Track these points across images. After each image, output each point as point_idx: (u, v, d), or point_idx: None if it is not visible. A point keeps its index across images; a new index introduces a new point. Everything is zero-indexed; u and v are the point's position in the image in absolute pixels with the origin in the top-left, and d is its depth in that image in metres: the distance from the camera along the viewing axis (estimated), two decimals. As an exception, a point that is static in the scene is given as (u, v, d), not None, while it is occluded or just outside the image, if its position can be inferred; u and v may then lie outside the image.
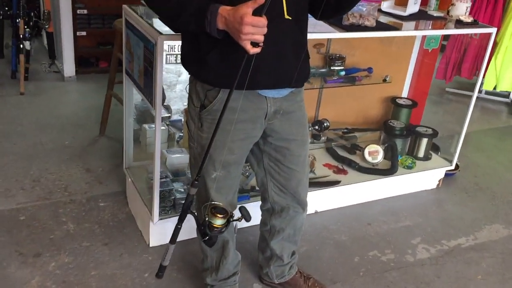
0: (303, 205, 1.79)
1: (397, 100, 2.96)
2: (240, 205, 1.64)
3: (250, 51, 1.24)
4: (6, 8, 3.60)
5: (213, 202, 1.53)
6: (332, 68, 2.64)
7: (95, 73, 4.09)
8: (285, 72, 1.48)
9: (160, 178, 2.15)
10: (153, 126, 2.07)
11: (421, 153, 2.89)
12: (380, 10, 2.55)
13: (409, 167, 2.77)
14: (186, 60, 1.52)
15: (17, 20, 3.58)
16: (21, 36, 3.58)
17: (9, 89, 3.68)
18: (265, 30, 1.23)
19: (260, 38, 1.24)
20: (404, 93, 3.09)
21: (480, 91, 4.42)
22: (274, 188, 1.73)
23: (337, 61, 2.64)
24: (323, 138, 2.78)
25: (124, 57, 2.26)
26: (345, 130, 2.82)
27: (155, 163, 2.01)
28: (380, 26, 2.27)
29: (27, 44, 3.60)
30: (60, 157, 2.84)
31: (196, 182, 1.46)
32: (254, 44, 1.24)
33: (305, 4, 1.50)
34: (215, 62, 1.41)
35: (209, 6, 1.28)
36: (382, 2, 2.53)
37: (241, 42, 1.24)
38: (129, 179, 2.41)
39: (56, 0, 3.70)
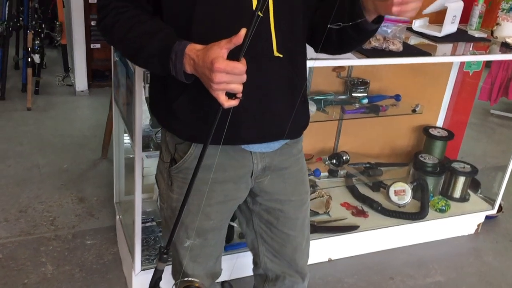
0: (302, 274, 1.46)
1: (430, 130, 2.58)
2: (223, 281, 1.34)
3: (224, 104, 0.96)
4: (15, 20, 3.45)
5: (186, 279, 1.25)
6: (353, 94, 2.31)
7: (109, 87, 3.86)
8: (275, 123, 1.17)
9: (145, 222, 1.89)
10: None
11: (457, 193, 2.50)
12: (410, 30, 2.20)
13: (442, 211, 2.39)
14: (153, 104, 1.24)
15: (27, 32, 3.42)
16: (29, 49, 3.41)
17: (17, 103, 3.52)
18: (243, 78, 0.95)
19: (236, 88, 0.95)
20: (440, 122, 2.71)
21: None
22: (267, 254, 1.42)
23: (359, 87, 2.30)
24: (341, 172, 2.45)
25: (112, 82, 2.01)
26: (368, 165, 2.47)
27: (136, 205, 1.75)
28: (408, 51, 1.92)
29: (35, 57, 3.43)
30: (55, 183, 2.63)
31: (165, 256, 1.17)
32: (230, 95, 0.96)
33: (303, 35, 1.19)
34: (184, 111, 1.13)
35: (174, 44, 1.01)
36: (414, 20, 2.17)
37: (213, 93, 0.96)
38: (118, 216, 2.16)
39: (69, 11, 3.53)
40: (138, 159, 1.68)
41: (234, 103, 0.97)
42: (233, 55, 0.93)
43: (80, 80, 3.70)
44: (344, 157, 2.43)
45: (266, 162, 1.24)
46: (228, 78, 0.93)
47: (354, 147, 2.55)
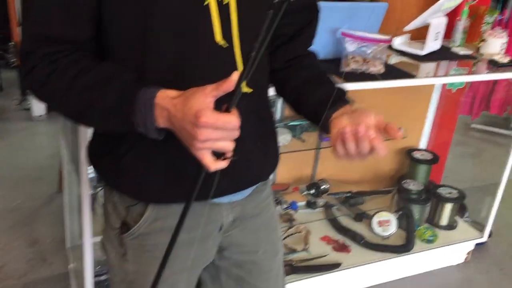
0: None
1: (413, 153, 2.41)
2: None
3: (211, 167, 0.75)
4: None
5: None
6: (331, 118, 2.12)
7: (71, 110, 3.63)
8: (247, 168, 0.98)
9: (99, 275, 1.65)
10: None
11: (444, 221, 2.33)
12: (390, 48, 2.03)
13: (429, 241, 2.21)
14: (94, 154, 1.01)
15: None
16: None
17: (-32, 132, 3.25)
18: (236, 133, 0.75)
19: (227, 146, 0.75)
20: (423, 143, 2.55)
21: (510, 128, 3.85)
22: None
23: (337, 110, 2.11)
24: (320, 202, 2.25)
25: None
26: (349, 194, 2.28)
27: (84, 253, 1.51)
28: (390, 72, 1.75)
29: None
30: (4, 224, 2.36)
31: None
32: (218, 154, 0.75)
33: (268, 65, 1.02)
34: (138, 165, 0.92)
35: (138, 92, 0.79)
36: (394, 38, 2.00)
37: (196, 152, 0.75)
38: (71, 264, 1.91)
39: (24, 30, 3.26)
40: (85, 196, 1.44)
41: (223, 164, 0.76)
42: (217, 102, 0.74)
43: (38, 103, 3.43)
44: (323, 186, 2.23)
45: (237, 212, 1.04)
46: (217, 135, 0.73)
47: (334, 173, 2.36)
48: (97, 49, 0.87)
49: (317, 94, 0.99)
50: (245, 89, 0.91)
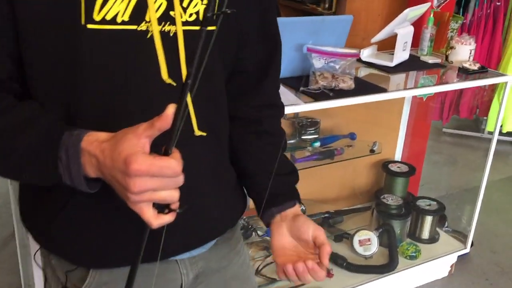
0: None
1: (390, 166, 2.34)
2: None
3: (153, 224, 0.62)
4: None
5: None
6: (303, 137, 2.03)
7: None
8: (205, 222, 0.86)
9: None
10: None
11: (425, 234, 2.25)
12: (359, 60, 1.95)
13: (412, 257, 2.13)
14: (25, 212, 0.86)
15: None
16: None
17: None
18: (179, 180, 0.62)
19: (170, 196, 0.62)
20: (398, 154, 2.48)
21: (481, 131, 3.85)
22: None
23: (309, 128, 2.03)
24: (298, 226, 2.14)
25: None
26: (327, 215, 2.19)
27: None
28: (361, 87, 1.66)
29: None
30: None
31: None
32: (161, 206, 0.63)
33: (225, 102, 0.89)
34: (72, 223, 0.79)
35: (61, 137, 0.67)
36: (362, 50, 1.93)
37: (133, 207, 0.62)
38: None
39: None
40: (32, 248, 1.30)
41: (167, 219, 0.64)
42: (156, 146, 0.62)
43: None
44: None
45: (199, 268, 0.91)
46: (155, 184, 0.60)
47: (309, 193, 2.26)
48: (21, 87, 0.74)
49: (262, 180, 0.91)
50: (198, 132, 0.80)
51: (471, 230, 2.23)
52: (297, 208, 0.93)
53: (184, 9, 0.77)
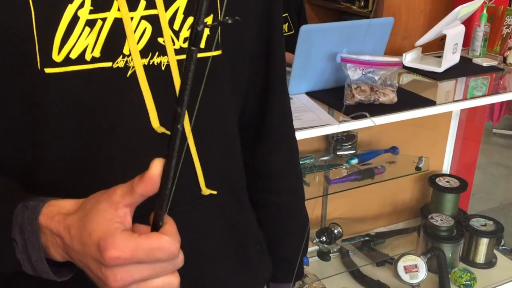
0: None
1: (437, 180, 2.09)
2: None
3: None
4: None
5: None
6: (338, 153, 1.81)
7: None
8: None
9: None
10: None
11: (480, 258, 2.00)
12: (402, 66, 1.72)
13: (467, 286, 1.88)
14: None
15: None
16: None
17: None
18: (178, 261, 0.45)
19: (168, 284, 0.45)
20: (446, 166, 2.22)
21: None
22: None
23: (345, 143, 1.81)
24: (334, 250, 1.93)
25: None
26: (367, 238, 1.96)
27: None
28: (405, 100, 1.43)
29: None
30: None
31: None
32: None
33: (239, 149, 0.70)
34: None
35: (13, 211, 0.50)
36: (404, 54, 1.69)
37: None
38: None
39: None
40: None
41: None
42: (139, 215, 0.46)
43: None
44: (336, 231, 1.91)
45: None
46: (144, 273, 0.44)
47: (346, 211, 2.05)
48: None
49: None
50: (206, 191, 0.62)
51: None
52: None
53: (176, 33, 0.59)
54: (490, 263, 2.01)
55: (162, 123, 0.57)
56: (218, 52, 0.60)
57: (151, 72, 0.56)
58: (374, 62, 1.38)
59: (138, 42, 0.56)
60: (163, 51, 0.57)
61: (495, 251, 2.05)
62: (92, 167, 0.57)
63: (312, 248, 1.95)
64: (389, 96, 1.41)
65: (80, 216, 0.46)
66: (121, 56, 0.55)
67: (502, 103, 3.33)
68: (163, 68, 0.57)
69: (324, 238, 1.90)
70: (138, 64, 0.56)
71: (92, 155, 0.56)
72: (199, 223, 0.63)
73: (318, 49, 1.42)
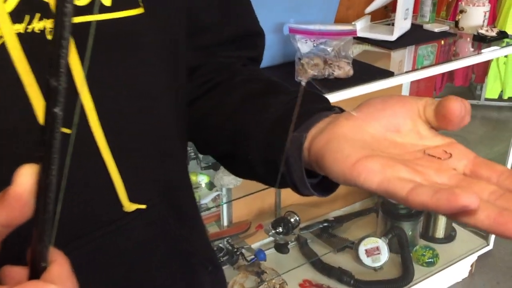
0: None
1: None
2: None
3: None
4: None
5: None
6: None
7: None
8: None
9: None
10: None
11: (440, 233, 1.94)
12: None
13: (430, 264, 1.82)
14: None
15: None
16: None
17: None
18: None
19: None
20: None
21: (477, 97, 3.54)
22: None
23: (296, 124, 1.66)
24: (292, 240, 1.80)
25: None
26: (325, 224, 1.84)
27: None
28: (361, 72, 1.29)
29: None
30: None
31: None
32: None
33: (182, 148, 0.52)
34: None
35: None
36: (354, 23, 1.55)
37: None
38: None
39: None
40: None
41: None
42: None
43: None
44: (292, 220, 1.77)
45: None
46: None
47: (301, 197, 1.91)
48: None
49: (271, 109, 0.47)
50: (130, 206, 0.43)
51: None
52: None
53: None
54: (450, 236, 1.95)
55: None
56: (138, 11, 0.42)
57: (30, 43, 0.37)
58: (326, 31, 1.23)
59: (5, 0, 0.36)
60: (45, 14, 0.38)
61: (453, 225, 1.99)
62: None
63: (267, 240, 1.81)
64: (345, 69, 1.26)
65: None
66: None
67: (443, 72, 3.32)
68: (49, 36, 0.38)
69: (280, 229, 1.75)
70: (8, 32, 0.36)
71: None
72: (128, 249, 0.46)
73: (260, 20, 1.24)
